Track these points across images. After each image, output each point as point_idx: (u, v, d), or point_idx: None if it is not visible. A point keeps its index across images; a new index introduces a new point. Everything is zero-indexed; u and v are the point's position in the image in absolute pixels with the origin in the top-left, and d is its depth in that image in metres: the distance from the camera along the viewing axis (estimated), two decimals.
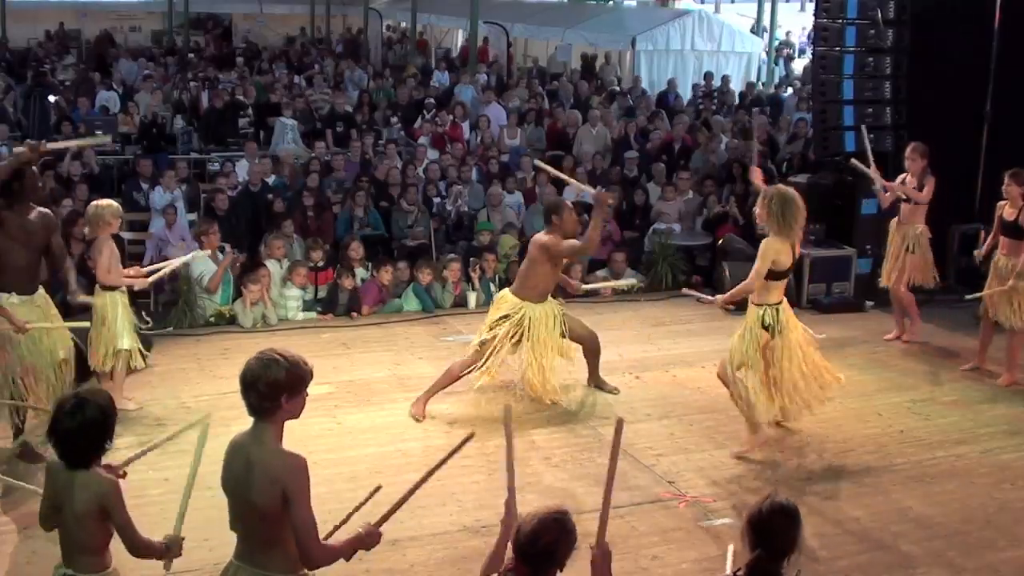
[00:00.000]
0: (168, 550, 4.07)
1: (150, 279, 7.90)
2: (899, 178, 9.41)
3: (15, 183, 6.56)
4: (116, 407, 4.08)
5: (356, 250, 10.36)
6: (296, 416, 3.75)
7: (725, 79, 20.37)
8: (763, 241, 7.03)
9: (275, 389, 3.63)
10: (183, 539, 4.12)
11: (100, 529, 3.93)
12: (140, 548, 3.99)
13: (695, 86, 20.32)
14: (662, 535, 6.10)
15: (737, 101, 19.22)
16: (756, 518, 3.65)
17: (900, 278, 9.32)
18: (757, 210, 7.16)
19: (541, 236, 7.81)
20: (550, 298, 7.92)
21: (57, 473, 3.98)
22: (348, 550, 3.81)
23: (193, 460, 4.15)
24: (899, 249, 9.30)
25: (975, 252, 8.82)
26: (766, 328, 7.06)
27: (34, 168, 6.76)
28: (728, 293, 7.37)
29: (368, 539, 3.86)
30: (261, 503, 3.62)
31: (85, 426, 3.87)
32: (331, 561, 3.77)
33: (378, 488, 4.21)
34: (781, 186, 7.42)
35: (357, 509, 4.16)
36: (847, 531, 6.17)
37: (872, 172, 9.40)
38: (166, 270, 8.15)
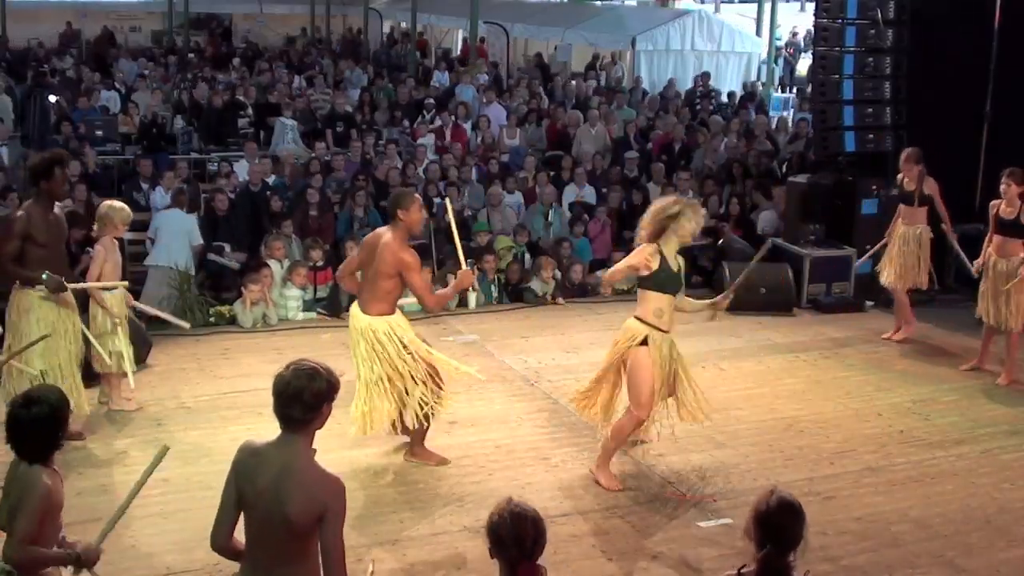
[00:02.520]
0: (79, 560, 3.96)
1: (120, 316, 7.57)
2: (898, 179, 9.42)
3: (43, 182, 6.75)
4: (68, 402, 4.14)
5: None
6: (322, 425, 3.74)
7: (706, 76, 20.48)
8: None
9: (320, 399, 3.63)
10: (101, 551, 4.03)
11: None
12: (21, 558, 3.84)
13: (690, 89, 20.35)
14: (662, 535, 6.10)
15: (725, 100, 19.26)
16: (763, 515, 3.65)
17: (903, 278, 9.32)
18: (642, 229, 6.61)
19: (388, 235, 6.57)
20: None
21: (13, 468, 4.02)
22: None
23: (139, 478, 4.11)
24: (901, 249, 9.31)
25: (974, 267, 8.76)
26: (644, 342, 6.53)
27: (65, 170, 6.97)
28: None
29: None
30: (296, 517, 3.57)
31: (33, 421, 3.92)
32: None
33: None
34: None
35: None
36: (847, 531, 6.17)
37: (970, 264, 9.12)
38: (149, 311, 8.07)
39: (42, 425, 3.93)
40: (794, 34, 28.26)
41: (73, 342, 6.96)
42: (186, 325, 8.11)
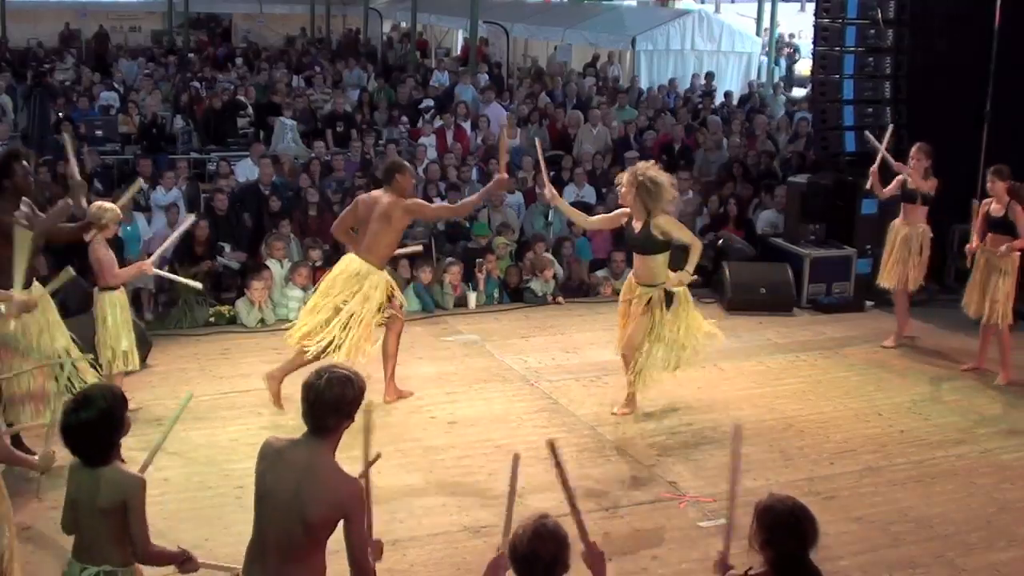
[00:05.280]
0: (187, 561, 4.03)
1: (153, 265, 7.87)
2: (898, 178, 9.40)
3: (4, 180, 6.54)
4: (124, 399, 4.09)
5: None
6: (348, 427, 3.77)
7: (709, 76, 20.51)
8: (667, 220, 7.38)
9: (353, 407, 3.68)
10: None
11: (124, 525, 3.90)
12: (151, 556, 3.94)
13: (689, 87, 20.39)
14: (662, 535, 6.10)
15: (722, 100, 19.29)
16: (783, 519, 3.65)
17: (907, 279, 9.32)
18: (624, 190, 7.40)
19: (388, 198, 7.42)
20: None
21: (78, 472, 3.98)
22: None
23: (170, 420, 4.30)
24: (903, 250, 9.30)
25: (967, 247, 8.81)
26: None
27: (24, 163, 6.70)
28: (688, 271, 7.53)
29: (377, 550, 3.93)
30: (314, 520, 3.60)
31: (89, 423, 3.89)
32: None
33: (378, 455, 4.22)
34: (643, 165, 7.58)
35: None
36: (847, 531, 6.17)
37: (883, 152, 9.32)
38: (168, 244, 8.17)
39: (93, 428, 3.89)
40: (792, 36, 28.28)
41: (58, 339, 6.89)
42: (198, 285, 8.27)
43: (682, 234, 7.46)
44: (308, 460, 3.64)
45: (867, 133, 9.67)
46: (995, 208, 8.48)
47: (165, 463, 6.84)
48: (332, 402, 3.61)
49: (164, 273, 8.31)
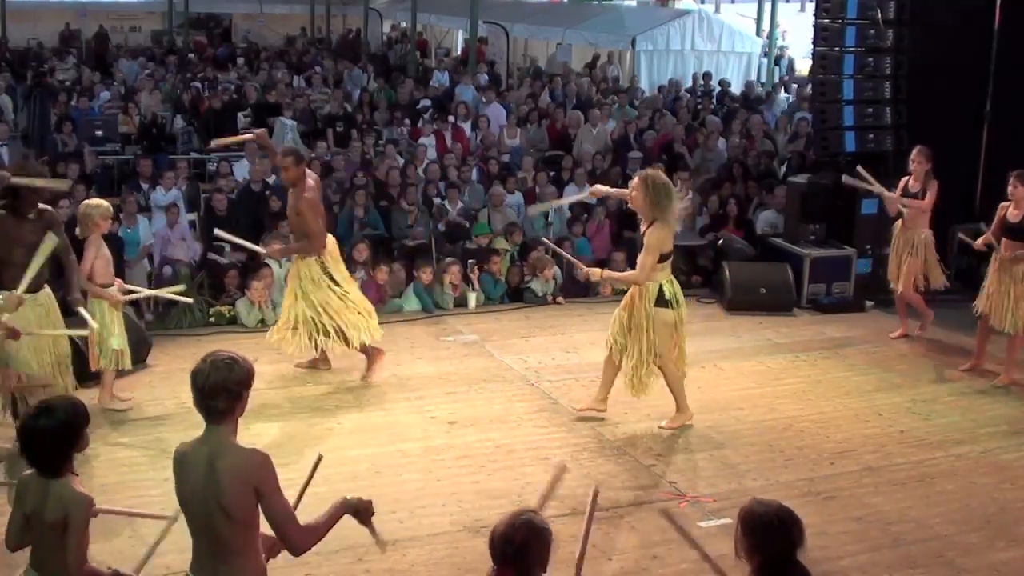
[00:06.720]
0: None
1: (126, 298, 7.92)
2: (902, 181, 9.40)
3: (11, 199, 6.66)
4: (86, 415, 4.06)
5: (361, 252, 10.34)
6: (243, 412, 3.79)
7: (707, 76, 20.51)
8: (648, 233, 7.20)
9: (241, 387, 3.71)
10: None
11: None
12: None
13: (683, 84, 20.38)
14: (662, 535, 6.09)
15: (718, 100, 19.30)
16: (766, 523, 3.64)
17: (906, 281, 9.33)
18: (632, 194, 7.32)
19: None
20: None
21: (31, 483, 3.98)
22: (331, 523, 3.84)
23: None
24: (903, 252, 9.32)
25: (976, 242, 8.73)
26: (667, 304, 7.35)
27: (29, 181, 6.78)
28: (618, 275, 7.74)
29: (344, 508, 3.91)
30: (233, 506, 3.61)
31: (47, 433, 3.90)
32: (317, 540, 3.78)
33: (320, 459, 4.28)
34: (653, 170, 7.50)
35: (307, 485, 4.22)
36: (847, 531, 6.17)
37: (875, 187, 9.42)
38: (143, 294, 8.36)
39: (51, 437, 3.90)
40: (783, 47, 28.30)
41: (61, 339, 6.94)
42: (187, 300, 8.38)
43: (645, 257, 7.21)
44: (210, 451, 3.68)
45: (859, 168, 9.63)
46: (1013, 213, 8.35)
47: (166, 463, 6.83)
48: (221, 383, 3.64)
49: (150, 291, 8.42)
